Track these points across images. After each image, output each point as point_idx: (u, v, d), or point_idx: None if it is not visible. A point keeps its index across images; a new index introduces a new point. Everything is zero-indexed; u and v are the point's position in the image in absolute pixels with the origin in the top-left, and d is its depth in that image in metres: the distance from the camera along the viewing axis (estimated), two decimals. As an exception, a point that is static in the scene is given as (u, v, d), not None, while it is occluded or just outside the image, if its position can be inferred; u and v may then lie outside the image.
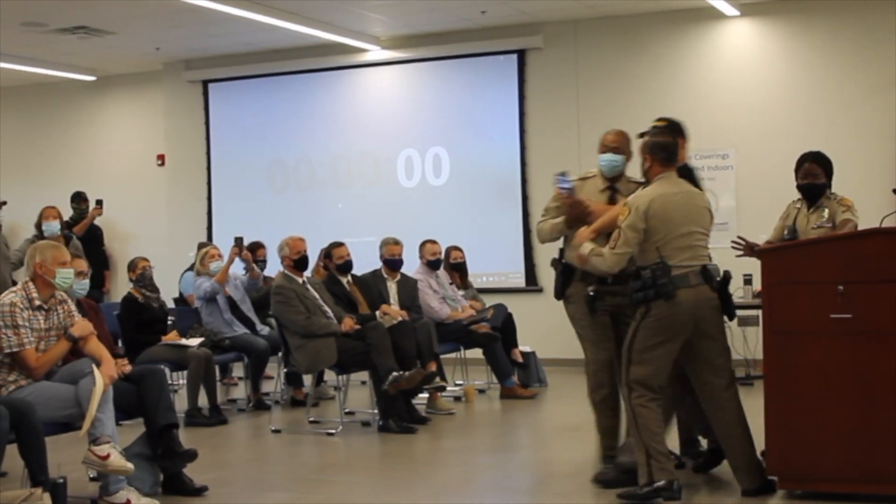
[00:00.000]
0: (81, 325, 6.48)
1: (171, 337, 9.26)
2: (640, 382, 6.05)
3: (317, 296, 8.93)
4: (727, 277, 6.23)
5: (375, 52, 13.27)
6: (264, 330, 10.12)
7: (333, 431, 8.60)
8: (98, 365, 6.25)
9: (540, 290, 12.50)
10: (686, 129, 6.79)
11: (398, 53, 13.23)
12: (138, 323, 9.17)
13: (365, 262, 10.14)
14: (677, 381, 6.42)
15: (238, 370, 11.11)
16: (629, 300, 6.14)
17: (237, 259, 10.05)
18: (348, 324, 8.76)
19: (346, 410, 9.29)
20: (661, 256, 5.97)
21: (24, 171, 15.22)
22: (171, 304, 10.57)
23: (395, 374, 8.46)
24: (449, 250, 10.85)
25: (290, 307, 8.67)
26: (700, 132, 8.62)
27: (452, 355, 10.49)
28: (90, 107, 15.07)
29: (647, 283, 5.97)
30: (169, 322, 9.39)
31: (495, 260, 12.72)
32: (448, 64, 13.13)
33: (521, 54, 12.73)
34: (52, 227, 10.54)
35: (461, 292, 10.73)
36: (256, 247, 10.92)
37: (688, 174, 6.44)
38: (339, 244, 9.65)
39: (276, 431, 8.80)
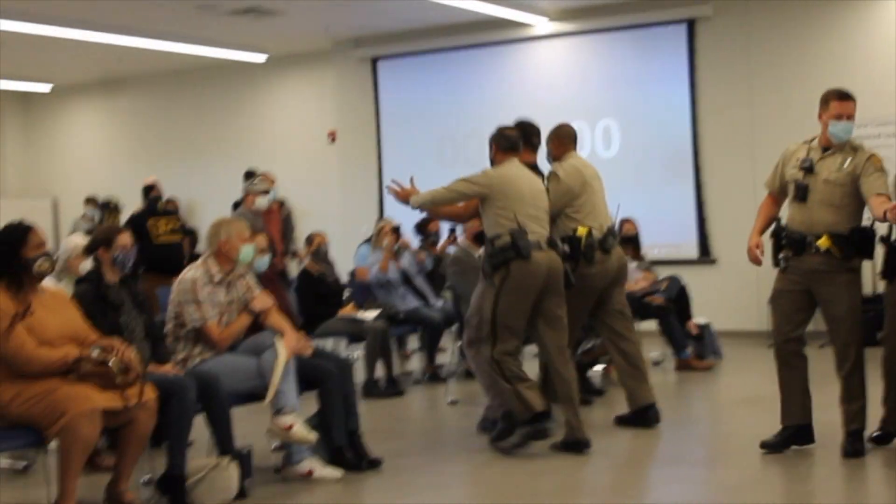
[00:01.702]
0: (262, 299, 6.61)
1: (348, 310, 9.39)
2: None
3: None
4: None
5: (543, 25, 13.21)
6: (438, 303, 10.17)
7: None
8: (280, 337, 6.38)
9: (713, 262, 12.31)
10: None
11: (565, 26, 13.14)
12: (315, 297, 9.32)
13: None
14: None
15: (413, 343, 11.21)
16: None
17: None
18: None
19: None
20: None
21: (200, 151, 15.63)
22: (345, 279, 10.70)
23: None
24: (621, 223, 10.73)
25: (467, 279, 8.70)
26: (871, 102, 8.36)
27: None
28: (263, 87, 15.36)
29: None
30: (345, 296, 9.52)
31: (667, 231, 12.54)
32: (616, 35, 12.99)
33: (691, 23, 12.50)
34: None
35: (634, 264, 10.61)
36: (426, 222, 10.96)
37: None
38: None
39: (453, 403, 8.84)
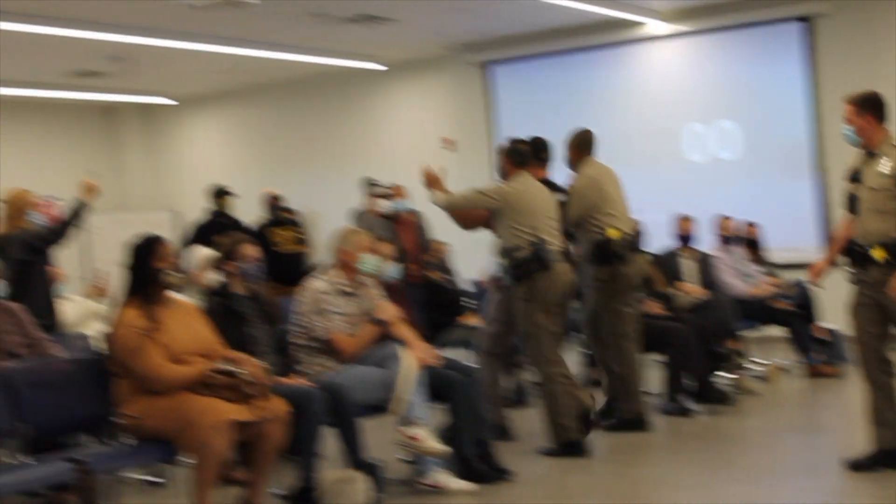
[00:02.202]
0: (388, 310, 6.59)
1: (468, 319, 9.34)
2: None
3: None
4: None
5: (655, 26, 13.04)
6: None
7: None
8: (407, 348, 6.34)
9: (836, 264, 11.99)
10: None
11: (679, 26, 12.96)
12: (435, 305, 9.29)
13: (651, 240, 9.93)
14: None
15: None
16: None
17: None
18: (653, 307, 8.62)
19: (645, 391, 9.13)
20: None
21: (319, 160, 15.70)
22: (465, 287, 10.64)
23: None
24: (743, 226, 10.56)
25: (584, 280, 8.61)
26: None
27: (753, 333, 10.16)
28: (379, 95, 15.39)
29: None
30: (466, 304, 9.47)
31: (788, 234, 12.26)
32: (730, 34, 12.77)
33: (807, 20, 12.24)
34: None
35: (757, 268, 10.42)
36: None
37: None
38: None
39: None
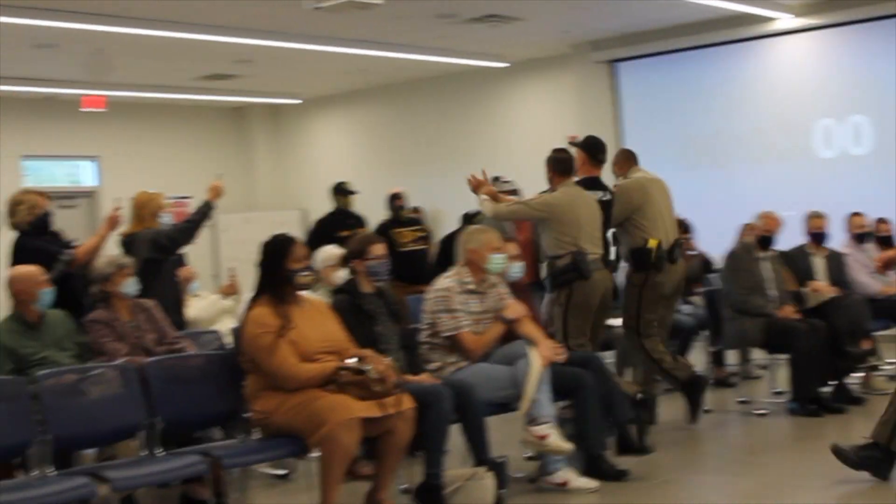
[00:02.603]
0: (515, 308, 6.59)
1: (595, 318, 9.26)
2: None
3: (766, 276, 8.67)
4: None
5: (786, 20, 12.81)
6: (686, 308, 9.93)
7: (764, 412, 8.36)
8: (534, 346, 6.34)
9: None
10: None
11: (809, 20, 12.70)
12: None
13: (780, 237, 9.77)
14: None
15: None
16: None
17: None
18: (787, 311, 8.48)
19: (776, 391, 8.99)
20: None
21: (442, 159, 15.78)
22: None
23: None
24: (876, 223, 10.30)
25: (735, 277, 8.51)
26: None
27: (887, 332, 9.91)
28: (503, 93, 15.41)
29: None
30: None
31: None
32: (861, 28, 12.47)
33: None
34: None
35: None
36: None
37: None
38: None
39: (706, 411, 8.62)
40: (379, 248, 6.37)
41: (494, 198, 7.72)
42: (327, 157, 17.25)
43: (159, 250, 7.55)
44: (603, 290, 7.46)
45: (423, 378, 6.17)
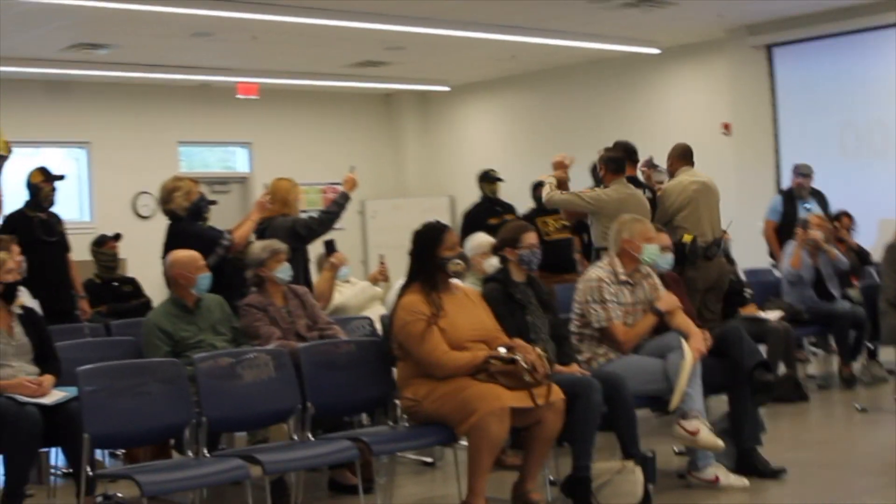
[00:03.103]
0: (667, 300, 6.48)
1: (749, 310, 9.08)
2: None
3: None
4: None
5: (953, 3, 12.37)
6: (844, 305, 9.66)
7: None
8: (686, 339, 6.23)
9: None
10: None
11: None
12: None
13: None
14: None
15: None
16: None
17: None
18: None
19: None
20: None
21: (592, 145, 15.49)
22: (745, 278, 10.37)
23: None
24: None
25: (893, 271, 8.25)
26: None
27: None
28: (654, 79, 15.19)
29: None
30: (747, 294, 9.21)
31: None
32: None
33: None
34: None
35: None
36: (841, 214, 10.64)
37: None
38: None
39: (862, 410, 8.38)
40: (531, 238, 6.32)
41: (561, 185, 8.37)
42: (475, 143, 17.25)
43: (296, 239, 7.58)
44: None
45: (573, 369, 6.11)
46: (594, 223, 8.21)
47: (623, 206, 7.81)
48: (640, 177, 9.08)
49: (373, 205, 16.90)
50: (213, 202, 7.83)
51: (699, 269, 8.30)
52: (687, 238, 8.25)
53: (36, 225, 8.10)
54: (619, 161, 8.33)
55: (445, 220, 16.34)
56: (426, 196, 17.07)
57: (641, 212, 7.72)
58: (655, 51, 14.52)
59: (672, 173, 8.99)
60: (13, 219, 7.84)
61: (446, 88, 17.04)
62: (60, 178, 8.42)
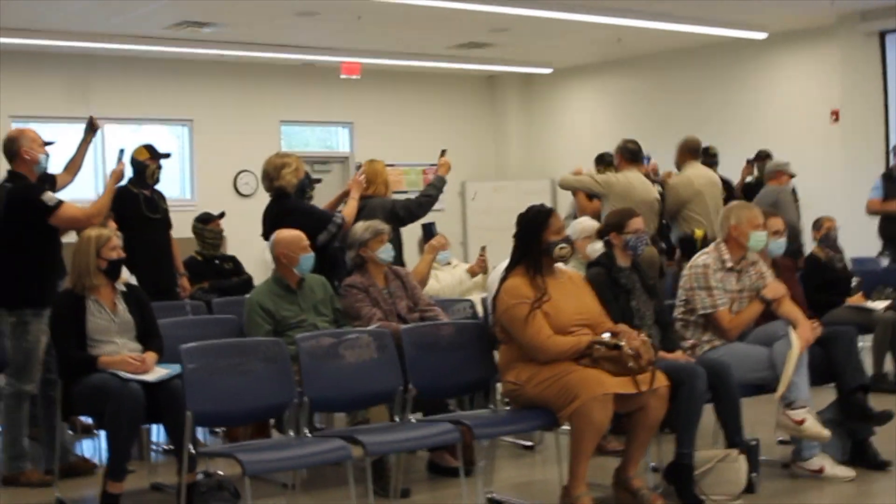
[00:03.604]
0: (774, 287, 6.35)
1: (856, 300, 8.89)
2: None
3: None
4: None
5: None
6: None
7: None
8: (794, 327, 6.11)
9: None
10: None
11: None
12: (821, 284, 8.89)
13: None
14: None
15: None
16: None
17: None
18: None
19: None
20: None
21: (697, 131, 15.24)
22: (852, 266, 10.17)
23: None
24: None
25: None
26: None
27: None
28: (761, 65, 14.92)
29: None
30: (854, 283, 9.03)
31: None
32: None
33: None
34: None
35: None
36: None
37: None
38: None
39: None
40: (637, 223, 6.25)
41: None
42: (577, 127, 17.13)
43: (395, 220, 7.57)
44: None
45: (677, 356, 6.03)
46: (604, 206, 8.58)
47: (631, 190, 8.60)
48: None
49: (473, 186, 16.89)
50: (318, 180, 7.84)
51: None
52: (699, 233, 8.75)
53: (141, 202, 8.19)
54: (634, 152, 8.97)
55: (546, 203, 16.31)
56: (527, 179, 16.99)
57: (648, 198, 8.72)
58: (762, 35, 14.26)
59: (679, 167, 9.52)
60: (119, 195, 7.95)
61: (549, 71, 16.92)
62: (166, 156, 8.49)
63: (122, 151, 7.41)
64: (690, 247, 8.33)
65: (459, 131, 16.51)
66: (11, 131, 6.99)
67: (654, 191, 8.90)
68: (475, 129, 17.22)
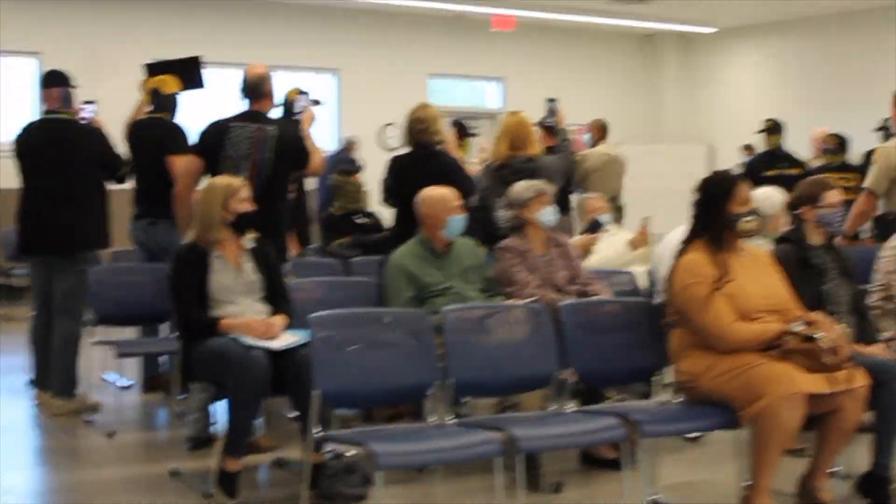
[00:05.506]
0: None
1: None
2: None
3: None
4: None
5: None
6: None
7: None
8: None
9: None
10: None
11: None
12: None
13: None
14: None
15: None
16: None
17: None
18: None
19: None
20: None
21: (869, 97, 14.54)
22: None
23: None
24: None
25: None
26: None
27: None
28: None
29: None
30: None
31: None
32: None
33: None
34: None
35: None
36: None
37: None
38: None
39: None
40: (834, 196, 5.47)
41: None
42: (740, 90, 16.44)
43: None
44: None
45: (876, 350, 5.26)
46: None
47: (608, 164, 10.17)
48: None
49: (625, 149, 16.15)
50: (474, 134, 7.21)
51: None
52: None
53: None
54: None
55: (701, 168, 15.55)
56: (683, 143, 16.25)
57: (620, 170, 10.52)
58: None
59: (594, 143, 10.63)
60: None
61: (712, 30, 16.16)
62: (317, 103, 7.97)
63: (306, 94, 7.00)
64: (886, 226, 7.42)
65: (613, 90, 16.02)
66: (258, 67, 6.51)
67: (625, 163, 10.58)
68: (630, 90, 16.75)
